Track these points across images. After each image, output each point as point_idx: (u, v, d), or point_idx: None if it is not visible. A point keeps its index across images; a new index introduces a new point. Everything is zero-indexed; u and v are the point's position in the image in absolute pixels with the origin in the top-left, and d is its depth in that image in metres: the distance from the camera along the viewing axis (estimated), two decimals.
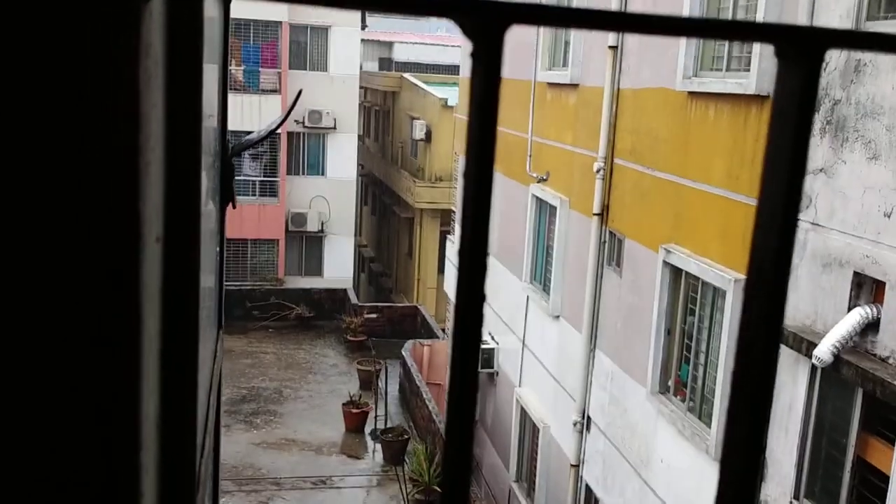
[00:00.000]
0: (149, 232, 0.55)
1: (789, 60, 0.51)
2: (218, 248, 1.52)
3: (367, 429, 17.61)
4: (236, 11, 26.36)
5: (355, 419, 17.56)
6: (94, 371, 0.53)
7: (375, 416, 17.59)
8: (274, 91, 25.47)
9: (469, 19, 0.47)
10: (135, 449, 0.57)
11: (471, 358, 0.48)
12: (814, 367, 6.38)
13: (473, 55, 0.48)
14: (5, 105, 0.47)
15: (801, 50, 0.51)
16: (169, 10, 0.61)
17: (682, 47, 8.68)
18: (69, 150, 0.48)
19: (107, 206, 0.50)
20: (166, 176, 0.65)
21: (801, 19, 6.78)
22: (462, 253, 0.47)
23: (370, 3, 0.49)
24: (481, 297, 0.48)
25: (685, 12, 8.56)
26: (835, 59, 6.48)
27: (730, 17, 8.14)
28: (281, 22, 25.50)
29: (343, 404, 17.82)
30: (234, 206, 1.69)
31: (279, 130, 24.96)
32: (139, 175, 0.49)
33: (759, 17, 7.33)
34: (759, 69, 7.35)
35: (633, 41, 10.01)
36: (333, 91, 26.18)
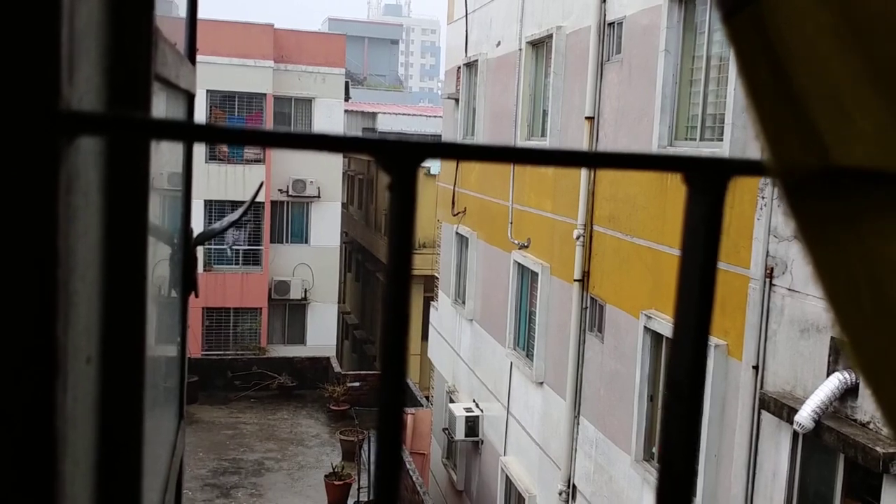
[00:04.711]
0: (75, 356, 0.56)
1: (696, 188, 0.53)
2: (180, 339, 1.53)
3: (350, 501, 17.26)
4: (221, 84, 26.45)
5: (338, 491, 17.22)
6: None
7: (359, 488, 17.25)
8: (258, 161, 25.65)
9: (384, 157, 0.49)
10: None
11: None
12: (795, 434, 6.36)
13: (389, 188, 0.51)
14: None
15: (707, 178, 0.53)
16: (109, 144, 0.63)
17: (657, 116, 8.86)
18: None
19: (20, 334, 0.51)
20: (105, 298, 0.66)
21: None
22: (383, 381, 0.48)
23: (299, 144, 0.51)
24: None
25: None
26: None
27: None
28: (265, 94, 25.84)
29: (325, 476, 17.50)
30: (196, 296, 1.71)
31: (263, 199, 25.08)
32: (56, 306, 0.51)
33: (730, 87, 7.51)
34: (731, 138, 7.50)
35: (609, 111, 10.21)
36: (317, 160, 26.40)
